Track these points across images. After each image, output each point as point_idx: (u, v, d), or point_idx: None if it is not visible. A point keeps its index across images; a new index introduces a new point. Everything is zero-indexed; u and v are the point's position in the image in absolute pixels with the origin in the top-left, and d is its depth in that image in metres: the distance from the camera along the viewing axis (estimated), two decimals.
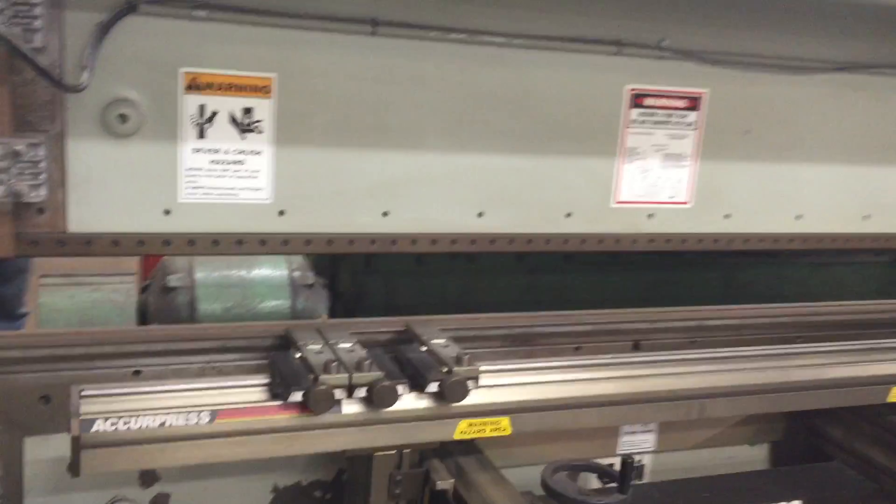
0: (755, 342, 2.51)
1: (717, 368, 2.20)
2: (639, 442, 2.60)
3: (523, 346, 2.34)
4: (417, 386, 1.89)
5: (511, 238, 2.26)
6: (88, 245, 1.92)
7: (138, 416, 1.69)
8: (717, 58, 2.28)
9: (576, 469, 2.23)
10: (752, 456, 2.78)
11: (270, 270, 2.49)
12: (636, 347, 2.46)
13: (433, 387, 1.88)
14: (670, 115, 2.30)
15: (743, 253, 3.06)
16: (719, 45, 2.27)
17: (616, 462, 2.52)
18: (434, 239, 2.19)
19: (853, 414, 2.56)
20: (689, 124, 2.33)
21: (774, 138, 2.42)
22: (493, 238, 2.24)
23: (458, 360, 1.91)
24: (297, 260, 2.57)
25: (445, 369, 1.89)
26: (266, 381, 1.86)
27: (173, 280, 2.36)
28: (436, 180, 2.16)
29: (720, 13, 2.23)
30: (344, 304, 2.80)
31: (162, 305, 2.38)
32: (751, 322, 2.57)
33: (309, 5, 1.95)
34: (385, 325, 2.17)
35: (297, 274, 2.48)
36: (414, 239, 2.18)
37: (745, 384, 2.18)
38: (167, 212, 1.97)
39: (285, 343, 2.04)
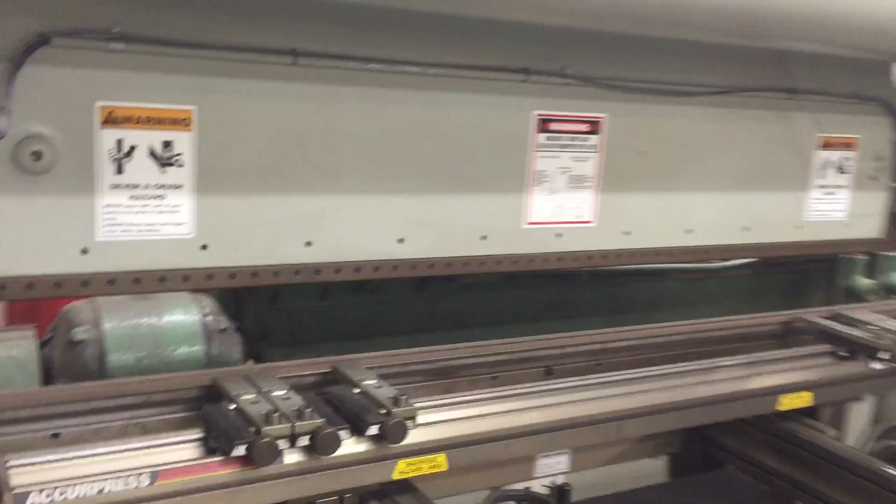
0: (654, 361, 2.61)
1: (630, 390, 2.29)
2: (553, 464, 2.67)
3: (444, 379, 2.36)
4: (357, 430, 1.88)
5: (431, 262, 2.30)
6: (1, 290, 1.81)
7: (75, 484, 1.60)
8: (614, 83, 2.41)
9: (516, 499, 2.27)
10: (654, 468, 2.91)
11: (182, 316, 2.40)
12: (548, 373, 2.52)
13: (373, 429, 1.87)
14: (574, 139, 2.41)
15: (626, 272, 3.25)
16: (616, 71, 2.41)
17: (534, 485, 2.61)
18: (357, 267, 2.20)
19: (744, 422, 2.72)
20: (591, 147, 2.45)
21: (665, 159, 2.58)
22: (414, 263, 2.28)
23: (396, 402, 1.91)
24: (208, 303, 2.50)
25: (384, 411, 1.89)
26: (199, 435, 1.81)
27: (79, 333, 2.22)
28: (357, 208, 2.17)
29: (616, 42, 2.36)
30: (249, 344, 2.75)
31: (68, 360, 2.25)
32: (648, 342, 2.66)
33: (228, 36, 1.93)
34: (311, 367, 2.13)
35: (209, 318, 2.40)
36: (338, 268, 2.18)
37: (656, 404, 2.27)
38: (85, 251, 1.89)
39: (214, 394, 1.97)
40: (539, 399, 2.18)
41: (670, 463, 2.94)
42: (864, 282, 3.53)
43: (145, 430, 1.93)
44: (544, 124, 2.36)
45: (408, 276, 2.29)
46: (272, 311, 2.79)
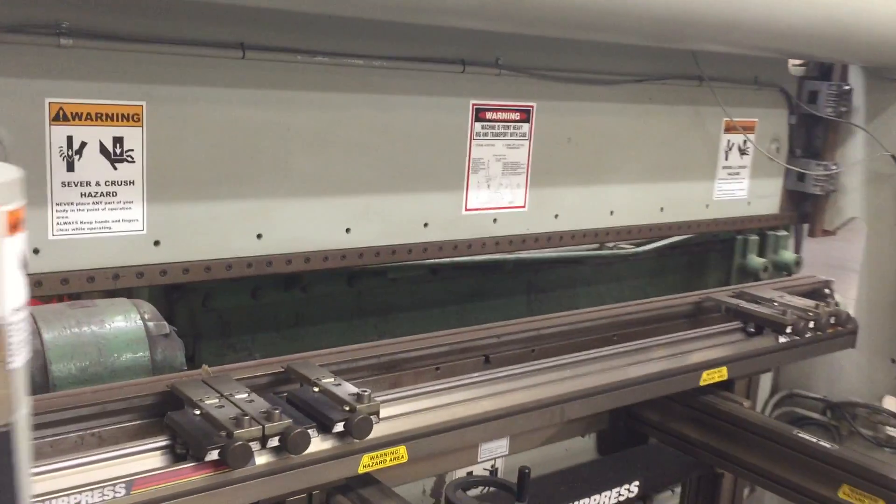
0: (583, 344, 2.71)
1: (569, 374, 2.40)
2: (495, 448, 2.76)
3: (390, 372, 2.41)
4: (323, 428, 1.91)
5: (377, 251, 2.35)
6: None
7: (51, 499, 1.58)
8: (543, 73, 2.52)
9: (476, 484, 2.35)
10: (584, 446, 3.05)
11: (124, 322, 2.34)
12: (487, 361, 2.61)
13: (339, 427, 1.91)
14: (507, 127, 2.51)
15: (542, 260, 3.39)
16: (545, 62, 2.51)
17: (476, 469, 2.69)
18: (307, 257, 2.23)
19: (666, 398, 2.87)
20: (523, 135, 2.55)
21: (590, 145, 2.71)
22: (361, 252, 2.32)
23: (360, 398, 1.95)
24: (148, 308, 2.46)
25: (348, 408, 1.94)
26: (165, 442, 1.81)
27: None
28: (305, 200, 2.20)
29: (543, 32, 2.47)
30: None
31: None
32: (576, 327, 2.74)
33: (177, 31, 1.92)
34: (264, 368, 2.14)
35: (151, 324, 2.36)
36: (288, 259, 2.20)
37: (596, 385, 2.40)
38: (36, 251, 1.85)
39: (172, 400, 1.96)
40: (488, 387, 2.27)
41: (598, 440, 3.08)
42: (757, 260, 3.77)
43: (102, 441, 1.90)
44: (480, 114, 2.44)
45: (355, 265, 2.33)
46: (204, 312, 2.77)
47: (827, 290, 3.38)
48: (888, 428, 3.24)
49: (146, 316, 2.42)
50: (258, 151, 2.09)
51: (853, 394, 3.33)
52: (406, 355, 2.44)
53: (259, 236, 2.14)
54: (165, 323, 2.48)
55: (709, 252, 3.98)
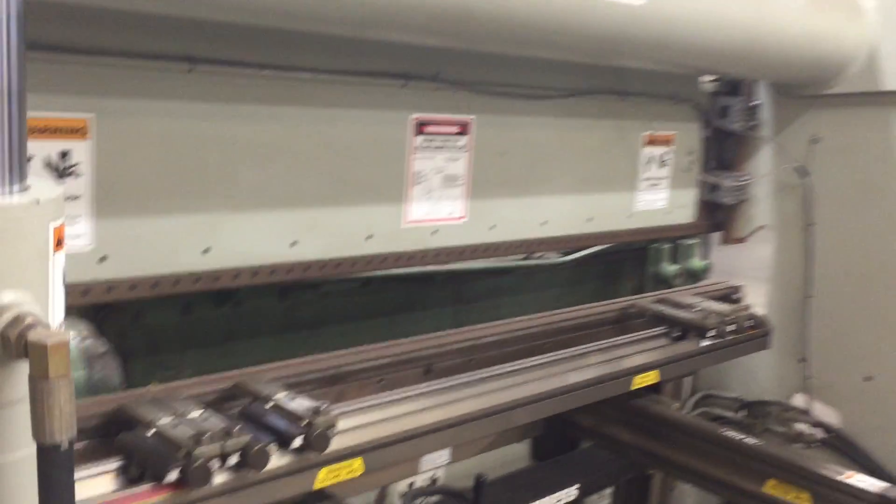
0: (519, 352, 2.74)
1: (513, 382, 2.47)
2: (436, 458, 2.79)
3: (335, 386, 2.41)
4: (282, 443, 1.90)
5: (323, 264, 2.35)
6: None
7: None
8: (480, 88, 2.57)
9: (432, 494, 2.36)
10: (519, 452, 3.12)
11: None
12: (428, 371, 2.64)
13: (297, 441, 1.91)
14: (447, 141, 2.55)
15: (467, 271, 3.45)
16: (481, 76, 2.57)
17: (418, 480, 2.71)
18: (255, 272, 2.21)
19: (599, 402, 2.97)
20: (461, 148, 2.60)
21: (523, 158, 2.78)
22: (307, 266, 2.32)
23: (317, 412, 1.95)
24: (84, 326, 2.39)
25: (305, 422, 1.93)
26: (117, 464, 1.76)
27: None
28: (252, 214, 2.18)
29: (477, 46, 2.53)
30: None
31: None
32: (512, 336, 2.77)
33: (125, 43, 1.89)
34: (213, 384, 2.11)
35: (88, 342, 2.29)
36: (236, 273, 2.18)
37: (538, 393, 2.45)
38: None
39: (122, 420, 1.91)
40: (437, 398, 2.31)
41: (532, 445, 3.15)
42: (669, 268, 3.93)
43: None
44: (421, 127, 2.48)
45: (301, 278, 2.32)
46: (134, 330, 2.71)
47: (737, 295, 3.57)
48: (798, 424, 3.41)
49: (83, 334, 2.35)
50: (206, 165, 2.07)
51: (765, 393, 3.51)
52: (350, 368, 2.45)
53: (206, 251, 2.12)
54: (102, 341, 2.42)
55: (623, 260, 4.12)
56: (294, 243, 2.28)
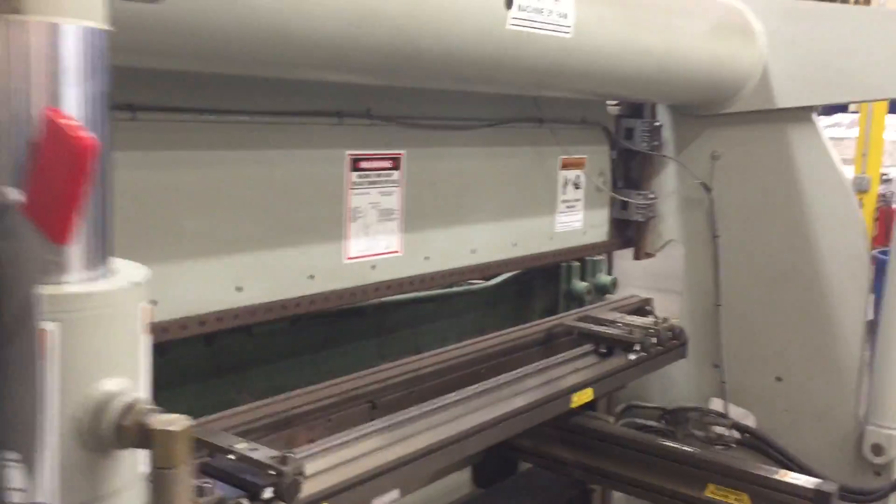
0: (459, 381, 2.77)
1: (461, 412, 2.50)
2: (389, 495, 2.76)
3: (285, 430, 2.37)
4: (252, 496, 1.85)
5: (269, 307, 2.31)
6: None
7: None
8: (410, 122, 2.60)
9: None
10: (461, 480, 3.13)
11: None
12: (373, 407, 2.63)
13: (268, 492, 1.86)
14: (381, 175, 2.56)
15: (387, 303, 3.46)
16: (410, 110, 2.60)
17: None
18: (202, 320, 2.16)
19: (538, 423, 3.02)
20: (394, 182, 2.61)
21: (452, 188, 2.82)
22: (253, 310, 2.27)
23: (284, 461, 1.91)
24: None
25: (273, 472, 1.89)
26: None
27: None
28: (196, 261, 2.13)
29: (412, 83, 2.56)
30: None
31: None
32: (449, 364, 2.82)
33: None
34: None
35: None
36: (183, 324, 2.12)
37: (486, 420, 2.49)
38: None
39: None
40: (392, 434, 2.32)
41: (473, 472, 3.17)
42: (580, 284, 4.05)
43: None
44: (356, 163, 2.48)
45: (249, 322, 2.28)
46: None
47: (648, 307, 3.72)
48: (716, 427, 3.57)
49: None
50: (149, 214, 2.01)
51: (684, 399, 3.66)
52: (299, 411, 2.41)
53: (153, 303, 2.04)
54: None
55: (534, 281, 4.22)
56: (240, 289, 2.24)
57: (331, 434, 2.39)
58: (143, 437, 0.95)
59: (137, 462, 1.06)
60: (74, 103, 1.06)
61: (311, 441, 2.33)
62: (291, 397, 2.42)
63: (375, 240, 2.59)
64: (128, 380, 1.01)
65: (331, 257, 2.47)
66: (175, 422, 0.96)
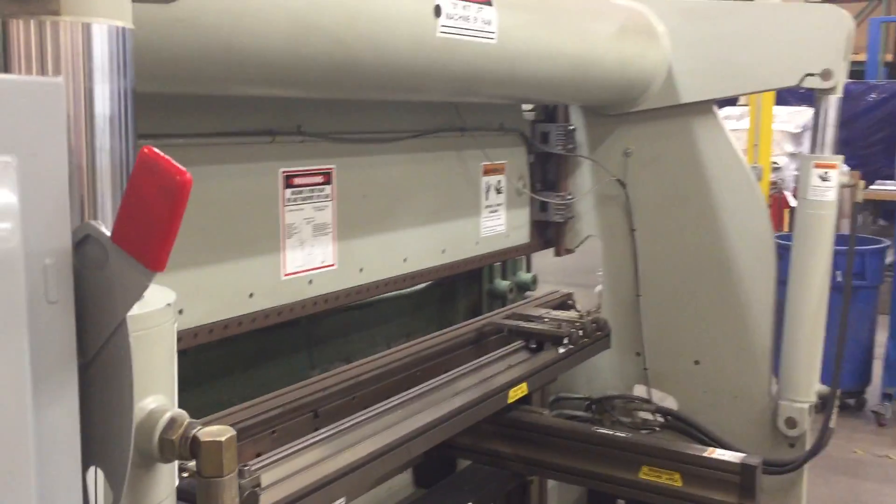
0: (397, 384, 2.84)
1: (405, 415, 2.56)
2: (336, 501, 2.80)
3: None
4: None
5: (210, 328, 2.33)
6: None
7: None
8: (338, 136, 2.65)
9: None
10: (403, 481, 3.19)
11: None
12: (316, 416, 2.67)
13: None
14: (313, 191, 2.60)
15: (315, 314, 3.49)
16: (339, 125, 2.65)
17: None
18: None
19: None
20: (326, 196, 2.65)
21: (382, 198, 2.88)
22: (195, 332, 2.28)
23: (241, 474, 1.94)
24: None
25: None
26: None
27: None
28: None
29: (338, 100, 2.61)
30: None
31: None
32: (387, 369, 2.88)
33: None
34: None
35: None
36: None
37: (429, 421, 2.56)
38: None
39: None
40: (334, 444, 2.36)
41: (414, 473, 3.24)
42: (502, 283, 4.17)
43: None
44: (289, 180, 2.51)
45: (190, 345, 2.28)
46: None
47: (570, 301, 3.86)
48: (641, 413, 3.74)
49: None
50: None
51: (609, 387, 3.81)
52: (244, 424, 2.44)
53: None
54: None
55: (457, 282, 4.32)
56: (181, 311, 2.24)
57: (276, 446, 2.43)
58: (188, 449, 1.00)
59: (174, 474, 1.12)
60: (108, 98, 1.14)
61: (259, 454, 2.36)
62: (234, 412, 2.44)
63: (311, 254, 2.62)
64: (165, 396, 1.06)
65: (269, 274, 2.49)
66: (221, 433, 1.02)
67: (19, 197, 0.89)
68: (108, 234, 1.00)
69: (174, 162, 1.00)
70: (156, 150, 0.99)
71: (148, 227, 0.97)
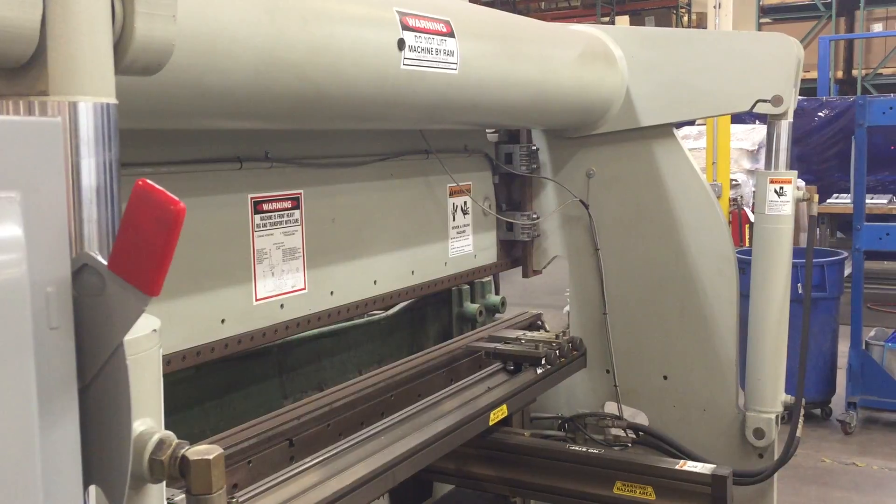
0: (372, 410, 2.84)
1: (386, 442, 2.57)
2: None
3: None
4: None
5: (183, 355, 2.33)
6: None
7: None
8: (306, 162, 2.68)
9: None
10: None
11: None
12: (291, 445, 2.66)
13: None
14: (282, 216, 2.62)
15: (286, 343, 3.50)
16: (306, 151, 2.68)
17: None
18: None
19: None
20: (295, 221, 2.68)
21: (350, 222, 2.91)
22: (168, 359, 2.28)
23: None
24: None
25: None
26: None
27: None
28: None
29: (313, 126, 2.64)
30: None
31: None
32: (363, 394, 2.85)
33: None
34: None
35: None
36: None
37: (412, 447, 2.58)
38: None
39: None
40: (315, 474, 2.37)
41: (391, 498, 3.24)
42: (472, 306, 4.19)
43: None
44: (258, 206, 2.54)
45: (166, 373, 2.28)
46: None
47: (540, 322, 3.90)
48: (613, 430, 3.77)
49: None
50: None
51: (581, 406, 3.85)
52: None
53: None
54: None
55: (427, 307, 4.34)
56: None
57: (253, 475, 2.42)
58: (178, 468, 1.02)
59: (163, 495, 1.13)
60: (94, 171, 1.19)
61: (236, 486, 2.35)
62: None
63: (282, 279, 2.64)
64: (152, 419, 1.08)
65: (240, 300, 2.50)
66: (209, 451, 1.04)
67: (23, 229, 0.92)
68: (105, 262, 1.03)
69: (168, 193, 1.04)
70: (150, 181, 1.03)
71: (143, 254, 1.01)
